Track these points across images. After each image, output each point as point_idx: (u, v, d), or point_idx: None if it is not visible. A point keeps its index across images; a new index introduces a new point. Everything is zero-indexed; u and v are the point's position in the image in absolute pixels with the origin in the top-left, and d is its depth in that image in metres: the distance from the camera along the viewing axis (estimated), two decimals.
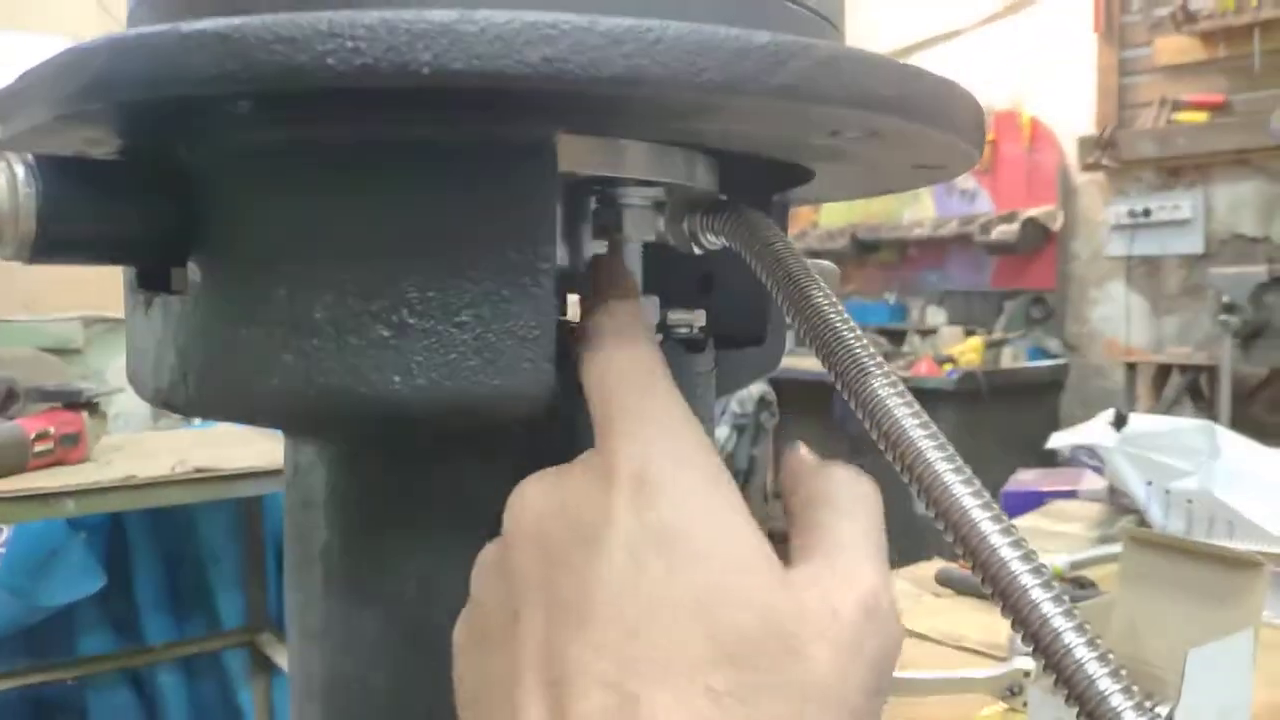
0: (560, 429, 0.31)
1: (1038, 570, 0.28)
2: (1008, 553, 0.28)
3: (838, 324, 0.32)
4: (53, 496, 1.63)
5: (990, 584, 0.28)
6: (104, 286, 3.70)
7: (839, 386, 0.32)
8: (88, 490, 1.66)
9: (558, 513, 0.27)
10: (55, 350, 3.21)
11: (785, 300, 0.33)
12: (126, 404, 3.56)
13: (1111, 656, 0.27)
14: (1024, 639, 0.28)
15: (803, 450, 0.31)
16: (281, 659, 2.17)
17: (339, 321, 0.29)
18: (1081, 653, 0.27)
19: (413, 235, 0.29)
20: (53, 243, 0.30)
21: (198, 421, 2.99)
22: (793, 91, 0.27)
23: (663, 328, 0.39)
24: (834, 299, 0.33)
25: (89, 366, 3.73)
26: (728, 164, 0.39)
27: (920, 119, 0.31)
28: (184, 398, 0.32)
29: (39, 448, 1.70)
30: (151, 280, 0.34)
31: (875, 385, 0.31)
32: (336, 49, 0.24)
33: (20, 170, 0.29)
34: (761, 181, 0.42)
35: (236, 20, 0.25)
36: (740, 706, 0.24)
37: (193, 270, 0.32)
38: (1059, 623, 0.27)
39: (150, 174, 0.32)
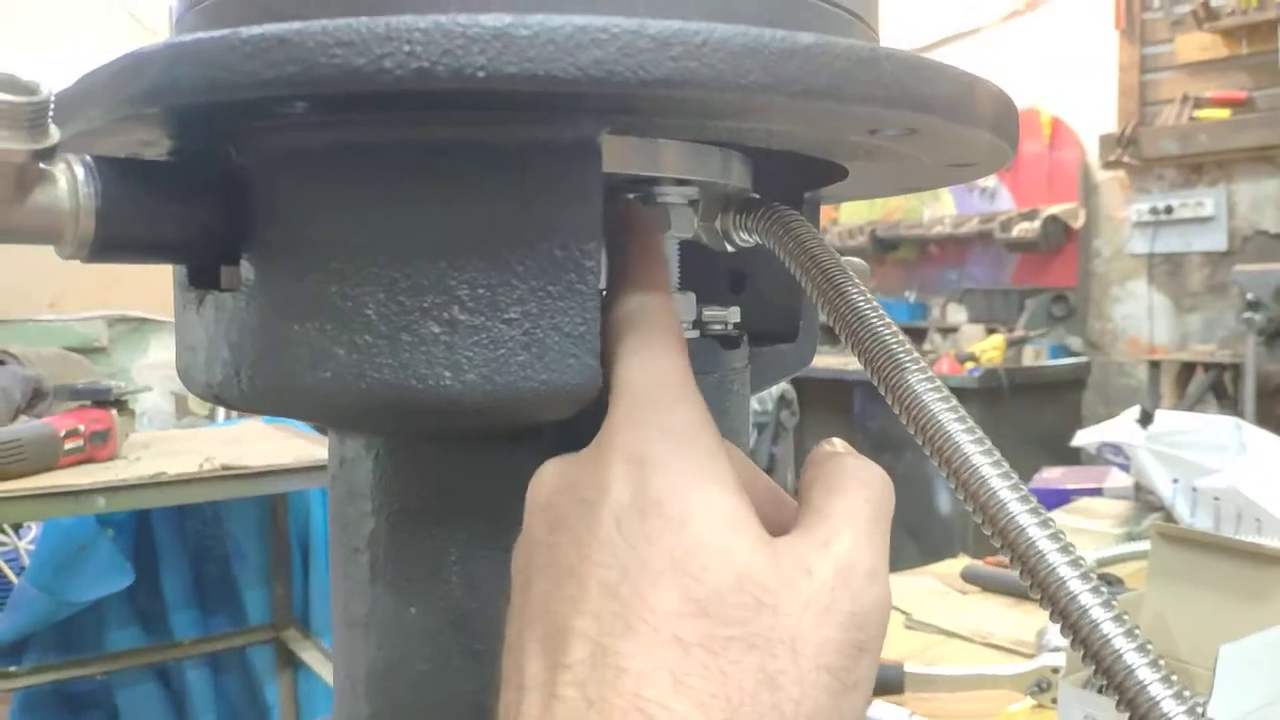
0: (602, 422, 0.32)
1: (1076, 562, 0.28)
2: (1046, 545, 0.28)
3: (873, 320, 0.33)
4: (84, 493, 1.65)
5: (1028, 576, 0.28)
6: (127, 286, 3.74)
7: (875, 382, 0.32)
8: (118, 487, 1.68)
9: (566, 489, 0.29)
10: (80, 349, 3.24)
11: (820, 296, 0.34)
12: (151, 402, 3.60)
13: (1151, 647, 0.27)
14: (1063, 630, 0.28)
15: (830, 443, 0.32)
16: (307, 654, 2.19)
17: (390, 318, 0.30)
18: (1121, 643, 0.27)
19: (462, 233, 0.30)
20: (110, 242, 0.30)
21: (222, 419, 3.02)
22: (837, 92, 0.27)
23: (698, 324, 0.39)
24: (869, 295, 0.33)
25: (113, 365, 3.77)
26: (761, 162, 0.40)
27: (958, 117, 0.31)
28: (236, 393, 0.33)
29: (69, 445, 1.72)
30: (202, 278, 0.35)
31: (911, 380, 0.31)
32: (394, 52, 0.25)
33: (80, 171, 0.30)
34: (794, 179, 0.42)
35: (296, 25, 0.25)
36: (709, 656, 0.25)
37: (245, 268, 0.32)
38: (1098, 614, 0.27)
39: (203, 174, 0.33)
